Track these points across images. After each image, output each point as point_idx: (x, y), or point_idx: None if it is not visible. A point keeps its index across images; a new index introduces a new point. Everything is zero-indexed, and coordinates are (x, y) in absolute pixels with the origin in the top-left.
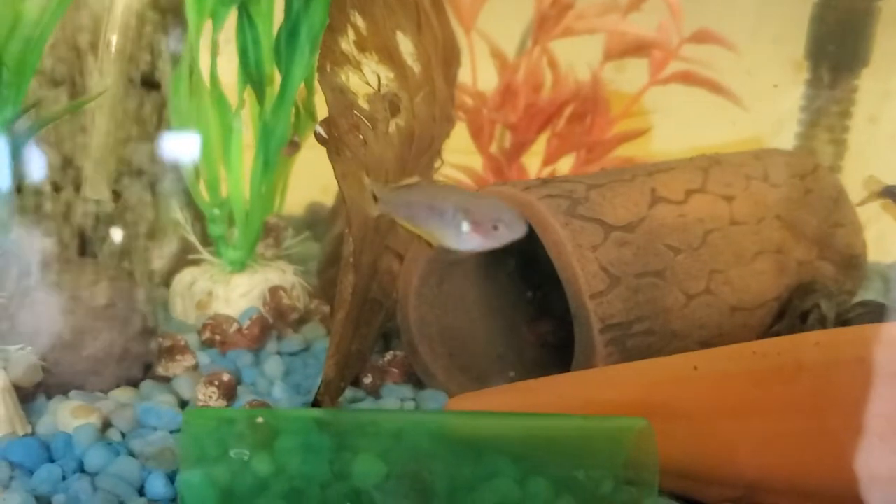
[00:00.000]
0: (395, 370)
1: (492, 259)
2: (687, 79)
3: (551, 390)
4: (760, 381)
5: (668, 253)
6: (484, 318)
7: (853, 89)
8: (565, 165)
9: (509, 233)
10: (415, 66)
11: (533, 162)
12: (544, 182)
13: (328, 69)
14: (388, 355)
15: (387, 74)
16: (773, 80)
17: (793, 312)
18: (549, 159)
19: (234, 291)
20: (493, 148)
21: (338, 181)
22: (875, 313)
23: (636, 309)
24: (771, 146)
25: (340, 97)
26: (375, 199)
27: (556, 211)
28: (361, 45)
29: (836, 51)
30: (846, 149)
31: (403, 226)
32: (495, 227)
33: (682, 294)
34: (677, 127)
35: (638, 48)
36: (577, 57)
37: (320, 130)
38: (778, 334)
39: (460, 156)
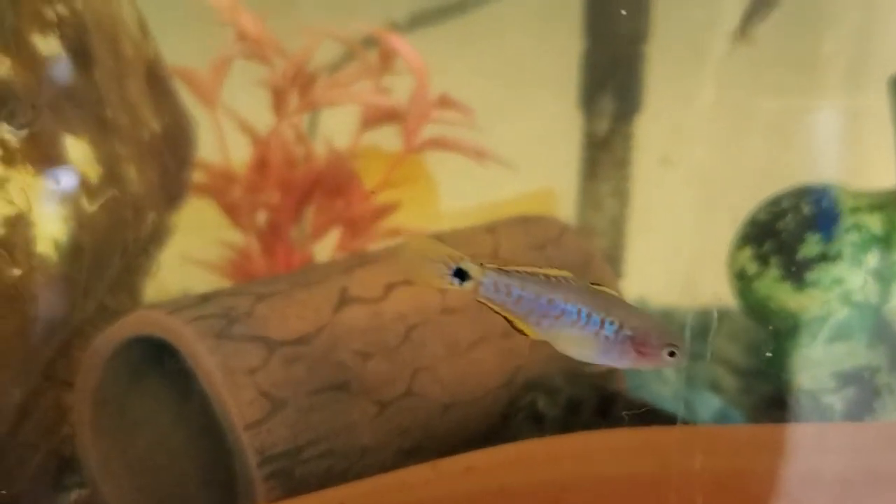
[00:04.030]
0: None
1: (182, 375)
2: (440, 145)
3: None
4: None
5: (357, 360)
6: (184, 444)
7: (628, 136)
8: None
9: (684, 359)
10: (94, 169)
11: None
12: (204, 299)
13: None
14: (74, 494)
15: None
16: (554, 132)
17: (513, 411)
18: (316, 235)
19: None
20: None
21: None
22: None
23: (308, 431)
24: (559, 200)
25: None
26: (462, 275)
27: (205, 334)
28: (9, 160)
29: (606, 99)
30: (629, 199)
31: (500, 314)
32: (671, 355)
33: (374, 404)
34: (467, 184)
35: (392, 115)
36: (341, 126)
37: None
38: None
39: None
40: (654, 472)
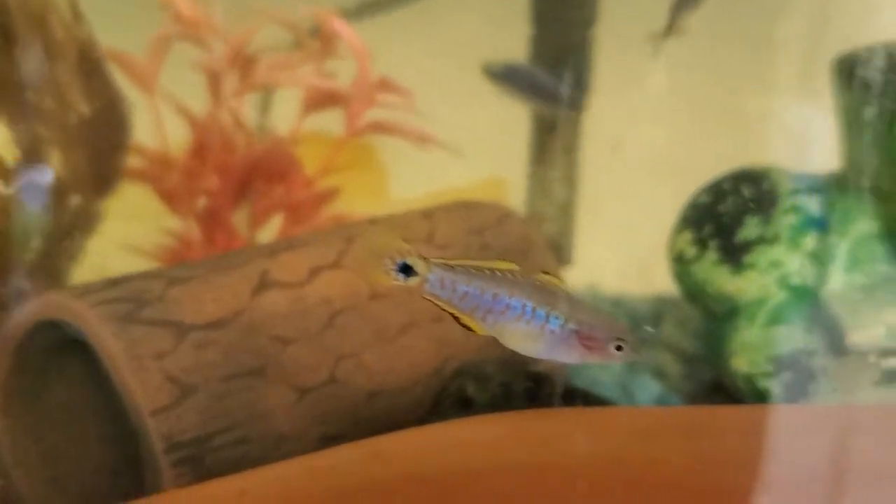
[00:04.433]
0: None
1: (97, 361)
2: (381, 129)
3: None
4: None
5: (276, 345)
6: (100, 432)
7: (577, 122)
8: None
9: (631, 353)
10: (11, 151)
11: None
12: (114, 282)
13: None
14: None
15: None
16: (505, 118)
17: (442, 397)
18: (258, 221)
19: None
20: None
21: None
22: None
23: (221, 418)
24: (510, 187)
25: None
26: (407, 270)
27: (110, 318)
28: None
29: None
30: (578, 185)
31: (446, 310)
32: (618, 348)
33: (293, 390)
34: (419, 172)
35: (334, 99)
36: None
37: None
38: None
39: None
40: (562, 456)
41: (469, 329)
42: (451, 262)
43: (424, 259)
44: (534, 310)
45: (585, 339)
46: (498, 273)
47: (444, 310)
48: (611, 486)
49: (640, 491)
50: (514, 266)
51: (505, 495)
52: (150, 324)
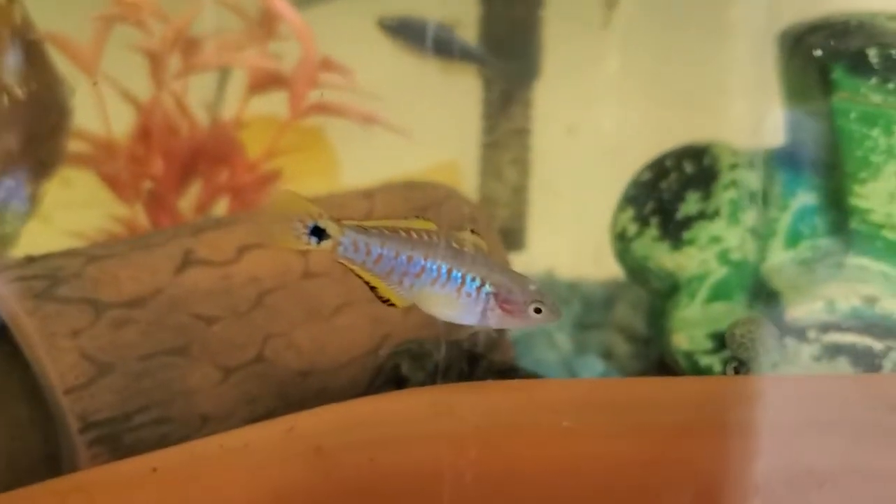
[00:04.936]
0: None
1: None
2: (325, 110)
3: None
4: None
5: (198, 324)
6: (30, 414)
7: (527, 103)
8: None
9: (552, 316)
10: None
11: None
12: (30, 260)
13: None
14: None
15: None
16: (455, 102)
17: (378, 375)
18: (203, 205)
19: None
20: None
21: None
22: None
23: (139, 397)
24: (464, 171)
25: None
26: (320, 233)
27: (25, 295)
28: None
29: (504, 66)
30: (530, 168)
31: (360, 276)
32: (538, 311)
33: (218, 369)
34: (370, 156)
35: (278, 80)
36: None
37: None
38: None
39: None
40: (478, 427)
41: (388, 303)
42: (365, 224)
43: (337, 221)
44: (450, 272)
45: (504, 302)
46: (414, 234)
47: (359, 276)
48: (502, 456)
49: (535, 460)
50: (431, 225)
51: (410, 466)
52: (66, 301)
